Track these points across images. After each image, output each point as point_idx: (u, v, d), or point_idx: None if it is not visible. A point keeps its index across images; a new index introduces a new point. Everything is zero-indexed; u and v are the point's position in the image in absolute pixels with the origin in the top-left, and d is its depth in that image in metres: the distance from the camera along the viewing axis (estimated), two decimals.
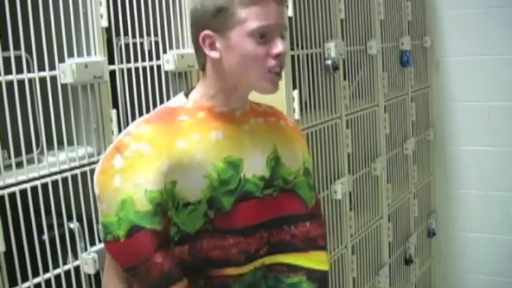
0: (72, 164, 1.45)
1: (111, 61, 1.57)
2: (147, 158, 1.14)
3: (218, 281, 1.23)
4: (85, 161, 1.49)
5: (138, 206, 1.12)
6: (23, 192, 1.33)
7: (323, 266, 1.35)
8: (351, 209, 2.26)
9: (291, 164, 1.32)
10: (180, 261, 1.17)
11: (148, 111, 1.71)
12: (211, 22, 1.17)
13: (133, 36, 1.67)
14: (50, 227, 1.40)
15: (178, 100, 1.26)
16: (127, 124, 1.65)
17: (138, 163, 1.13)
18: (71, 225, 1.48)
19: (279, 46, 1.17)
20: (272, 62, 1.18)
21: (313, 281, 1.32)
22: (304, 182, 1.34)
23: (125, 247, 1.12)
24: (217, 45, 1.18)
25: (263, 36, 1.16)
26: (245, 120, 1.27)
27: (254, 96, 1.30)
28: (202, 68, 1.25)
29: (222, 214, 1.21)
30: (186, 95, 1.27)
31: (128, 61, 1.64)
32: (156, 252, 1.12)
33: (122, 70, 1.63)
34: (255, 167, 1.25)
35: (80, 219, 1.48)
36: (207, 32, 1.18)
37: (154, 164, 1.13)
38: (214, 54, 1.19)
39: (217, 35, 1.17)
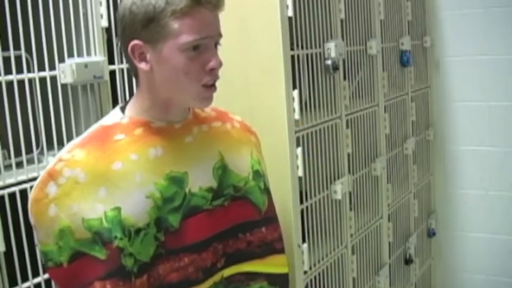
0: None
1: (111, 61, 1.57)
2: (82, 186, 1.09)
3: None
4: None
5: (77, 234, 1.08)
6: (23, 192, 1.33)
7: (282, 269, 1.31)
8: (351, 209, 2.26)
9: (240, 169, 1.27)
10: None
11: None
12: (142, 32, 1.10)
13: None
14: None
15: (113, 116, 1.20)
16: None
17: (73, 191, 1.09)
18: None
19: (212, 61, 1.12)
20: (206, 78, 1.13)
21: (274, 285, 1.29)
22: (254, 186, 1.28)
23: (68, 272, 1.08)
24: (148, 56, 1.12)
25: (196, 48, 1.11)
26: (187, 131, 1.22)
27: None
28: (136, 77, 1.19)
29: (171, 234, 1.15)
30: (122, 109, 1.21)
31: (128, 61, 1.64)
32: (96, 281, 1.07)
33: (122, 70, 1.63)
34: (201, 180, 1.20)
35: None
36: (137, 42, 1.11)
37: (90, 191, 1.09)
38: (144, 66, 1.13)
39: (148, 45, 1.11)
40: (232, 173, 1.25)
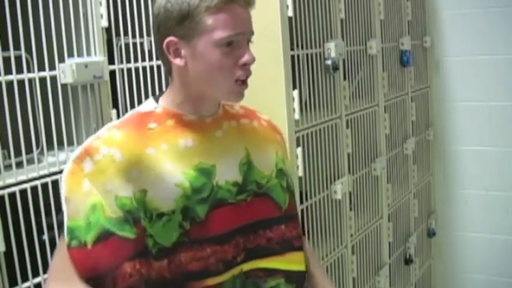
0: None
1: (111, 61, 1.57)
2: (118, 165, 1.10)
3: None
4: None
5: (108, 212, 1.08)
6: (23, 192, 1.33)
7: (300, 267, 1.32)
8: (351, 209, 2.26)
9: (264, 167, 1.29)
10: (158, 280, 1.12)
11: None
12: (176, 28, 1.13)
13: (133, 36, 1.67)
14: (50, 227, 1.40)
15: (148, 105, 1.23)
16: None
17: (109, 169, 1.10)
18: None
19: (246, 56, 1.14)
20: (239, 72, 1.14)
21: (291, 283, 1.30)
22: (277, 184, 1.30)
23: (92, 254, 1.07)
24: (182, 52, 1.14)
25: (230, 44, 1.13)
26: (217, 126, 1.24)
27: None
28: (169, 73, 1.21)
29: (197, 224, 1.17)
30: (156, 99, 1.24)
31: (128, 61, 1.64)
32: (125, 261, 1.07)
33: (122, 70, 1.63)
34: (227, 173, 1.22)
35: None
36: (172, 38, 1.14)
37: (124, 171, 1.10)
38: (179, 61, 1.15)
39: (182, 41, 1.13)
40: (256, 169, 1.27)
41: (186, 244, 1.16)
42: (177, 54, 1.15)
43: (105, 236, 1.07)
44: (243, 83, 1.17)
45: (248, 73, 1.17)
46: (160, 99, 1.23)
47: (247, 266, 1.25)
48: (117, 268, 1.07)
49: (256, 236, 1.27)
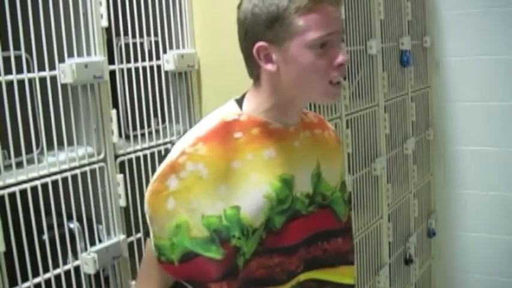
0: (72, 164, 1.45)
1: (111, 61, 1.57)
2: (205, 182, 1.07)
3: None
4: (85, 161, 1.49)
5: (194, 232, 1.06)
6: (23, 192, 1.33)
7: (349, 281, 1.31)
8: (351, 209, 2.26)
9: (330, 179, 1.26)
10: None
11: (148, 111, 1.71)
12: (266, 32, 1.08)
13: (133, 36, 1.67)
14: (50, 227, 1.40)
15: (231, 110, 1.16)
16: (127, 124, 1.66)
17: (195, 186, 1.07)
18: (71, 225, 1.48)
19: (340, 56, 1.09)
20: (334, 73, 1.09)
21: None
22: (340, 197, 1.28)
23: (179, 270, 1.08)
24: (274, 57, 1.09)
25: (323, 45, 1.08)
26: (296, 136, 1.20)
27: None
28: (256, 78, 1.16)
29: (272, 234, 1.14)
30: (239, 103, 1.18)
31: (128, 61, 1.64)
32: (212, 283, 1.07)
33: (122, 70, 1.63)
34: (302, 185, 1.19)
35: (80, 219, 1.48)
36: (262, 43, 1.08)
37: (212, 188, 1.07)
38: (270, 67, 1.10)
39: (273, 46, 1.08)
40: (324, 181, 1.25)
41: (259, 253, 1.14)
42: (268, 60, 1.10)
43: (190, 256, 1.07)
44: (338, 83, 1.12)
45: (343, 74, 1.12)
46: (244, 105, 1.17)
47: (303, 277, 1.25)
48: (203, 286, 1.07)
49: (315, 247, 1.25)
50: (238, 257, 1.09)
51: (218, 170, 1.09)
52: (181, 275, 1.09)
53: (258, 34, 1.09)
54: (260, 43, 1.09)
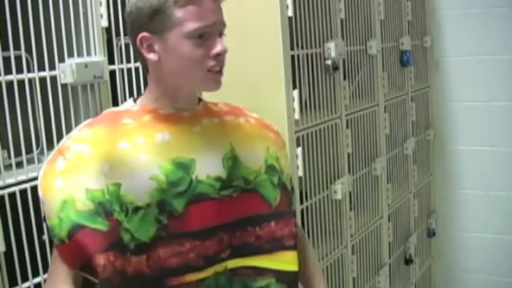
0: None
1: (111, 61, 1.57)
2: (88, 159, 1.13)
3: None
4: None
5: (79, 205, 1.10)
6: (23, 192, 1.33)
7: (291, 267, 1.29)
8: (351, 209, 2.26)
9: (252, 163, 1.28)
10: (138, 276, 1.12)
11: None
12: (148, 24, 1.15)
13: None
14: None
15: (125, 104, 1.26)
16: None
17: (79, 164, 1.13)
18: None
19: (218, 46, 1.16)
20: (211, 63, 1.16)
21: (283, 283, 1.28)
22: (266, 180, 1.29)
23: (71, 248, 1.10)
24: (156, 47, 1.16)
25: (201, 36, 1.14)
26: (195, 121, 1.24)
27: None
28: (146, 69, 1.23)
29: (174, 218, 1.16)
30: (135, 100, 1.26)
31: (128, 61, 1.64)
32: (98, 254, 1.09)
33: (122, 70, 1.63)
34: (209, 168, 1.21)
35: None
36: (144, 34, 1.16)
37: (95, 164, 1.12)
38: (152, 56, 1.17)
39: (155, 36, 1.16)
40: (243, 165, 1.27)
41: (164, 239, 1.15)
42: (151, 50, 1.17)
43: (76, 229, 1.09)
44: (218, 72, 1.18)
45: (221, 64, 1.18)
46: (139, 100, 1.25)
47: (233, 263, 1.24)
48: (90, 260, 1.09)
49: (244, 233, 1.25)
50: (122, 231, 1.12)
51: (101, 148, 1.14)
52: (74, 255, 1.10)
53: (141, 26, 1.16)
54: (143, 33, 1.16)
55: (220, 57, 1.17)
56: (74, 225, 1.09)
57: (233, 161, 1.25)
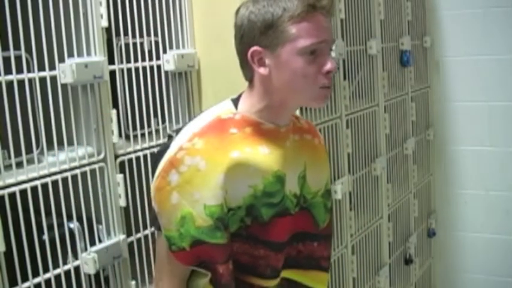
0: (72, 164, 1.45)
1: (111, 61, 1.57)
2: (203, 173, 1.13)
3: (243, 287, 1.23)
4: (85, 161, 1.49)
5: (198, 221, 1.12)
6: (23, 192, 1.34)
7: (321, 286, 1.36)
8: (351, 209, 2.26)
9: (313, 184, 1.31)
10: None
11: (148, 111, 1.71)
12: (260, 38, 1.15)
13: (133, 36, 1.67)
14: (50, 227, 1.40)
15: (227, 109, 1.23)
16: (127, 124, 1.66)
17: (195, 179, 1.13)
18: (71, 225, 1.48)
19: (329, 64, 1.15)
20: (323, 80, 1.16)
21: None
22: (321, 203, 1.33)
23: (191, 254, 1.14)
24: (267, 61, 1.16)
25: (313, 52, 1.14)
26: (287, 136, 1.26)
27: None
28: (250, 80, 1.22)
29: (259, 224, 1.20)
30: (235, 103, 1.24)
31: (128, 61, 1.64)
32: (219, 265, 1.15)
33: (122, 70, 1.63)
34: (291, 184, 1.25)
35: (80, 219, 1.48)
36: (256, 48, 1.15)
37: (211, 178, 1.13)
38: (263, 70, 1.17)
39: (267, 51, 1.15)
40: (307, 184, 1.30)
41: (242, 236, 1.20)
42: (262, 63, 1.17)
43: (197, 244, 1.13)
44: (327, 88, 1.18)
45: (331, 81, 1.18)
46: (239, 105, 1.23)
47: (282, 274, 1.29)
48: (212, 266, 1.15)
49: (291, 247, 1.30)
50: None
51: (215, 160, 1.14)
52: (192, 260, 1.15)
53: (253, 39, 1.16)
54: (254, 47, 1.16)
55: (330, 74, 1.17)
56: (195, 241, 1.13)
57: (303, 180, 1.29)
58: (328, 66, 1.15)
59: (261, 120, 1.21)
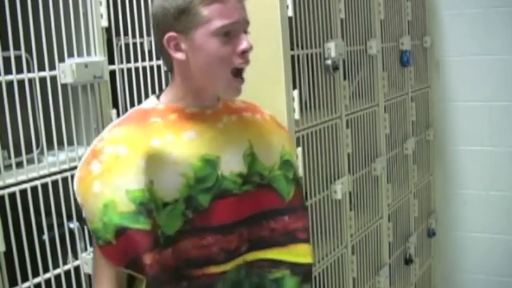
0: (72, 164, 1.45)
1: (111, 61, 1.57)
2: (124, 159, 1.13)
3: (201, 280, 1.20)
4: None
5: (120, 207, 1.11)
6: (23, 192, 1.34)
7: (305, 259, 1.34)
8: (351, 209, 2.26)
9: (266, 159, 1.31)
10: (165, 269, 1.15)
11: None
12: (175, 23, 1.17)
13: (133, 36, 1.67)
14: (50, 227, 1.40)
15: (150, 102, 1.26)
16: None
17: (115, 166, 1.13)
18: (71, 225, 1.48)
19: (244, 43, 1.18)
20: (238, 60, 1.18)
21: (296, 275, 1.32)
22: (280, 175, 1.33)
23: (118, 248, 1.11)
24: (182, 46, 1.18)
25: (227, 34, 1.17)
26: (218, 118, 1.27)
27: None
28: (170, 69, 1.25)
29: (199, 212, 1.20)
30: (158, 97, 1.26)
31: (128, 61, 1.64)
32: (144, 253, 1.11)
33: (122, 70, 1.63)
34: (232, 164, 1.25)
35: (80, 219, 1.48)
36: (171, 33, 1.18)
37: (132, 163, 1.13)
38: (180, 55, 1.19)
39: (182, 36, 1.17)
40: (259, 161, 1.30)
41: (188, 232, 1.19)
42: (178, 49, 1.19)
43: (121, 232, 1.11)
44: (240, 76, 1.20)
45: (247, 61, 1.20)
46: (162, 97, 1.26)
47: (250, 257, 1.28)
48: (138, 260, 1.11)
49: (260, 227, 1.29)
50: (158, 228, 1.15)
51: (135, 146, 1.15)
52: (120, 257, 1.12)
53: (167, 25, 1.18)
54: (170, 33, 1.18)
55: (246, 54, 1.19)
56: (118, 228, 1.11)
57: (252, 158, 1.29)
58: (244, 45, 1.17)
59: (185, 105, 1.23)
